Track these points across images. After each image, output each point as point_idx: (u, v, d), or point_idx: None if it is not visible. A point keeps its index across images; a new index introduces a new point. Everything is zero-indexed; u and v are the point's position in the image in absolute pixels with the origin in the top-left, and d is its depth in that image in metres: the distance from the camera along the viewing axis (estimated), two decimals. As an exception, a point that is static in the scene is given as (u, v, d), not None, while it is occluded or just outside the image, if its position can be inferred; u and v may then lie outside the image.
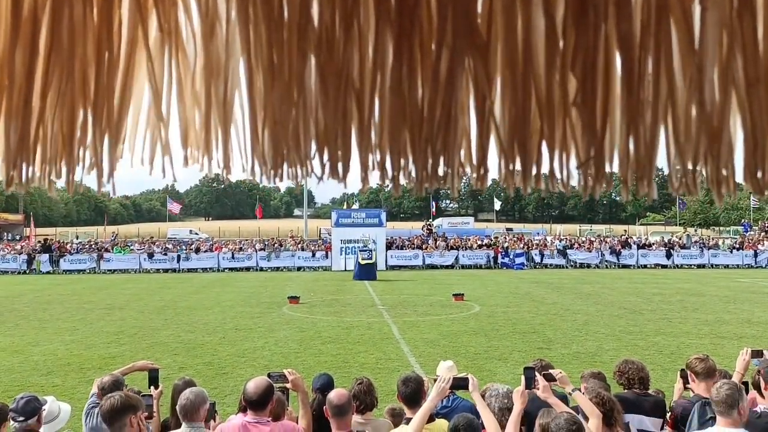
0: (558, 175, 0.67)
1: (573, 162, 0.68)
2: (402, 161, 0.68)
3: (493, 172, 0.77)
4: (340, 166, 0.70)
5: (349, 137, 0.70)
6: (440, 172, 0.68)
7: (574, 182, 0.68)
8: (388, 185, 0.76)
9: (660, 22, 0.65)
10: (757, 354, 4.02)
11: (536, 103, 0.66)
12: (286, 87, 0.73)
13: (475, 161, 0.68)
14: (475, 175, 0.70)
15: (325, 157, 0.70)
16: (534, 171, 0.65)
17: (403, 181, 0.68)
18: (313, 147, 0.72)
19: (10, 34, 0.88)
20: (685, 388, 4.07)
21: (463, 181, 0.79)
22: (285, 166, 0.73)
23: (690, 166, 0.64)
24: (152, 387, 3.90)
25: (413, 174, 0.68)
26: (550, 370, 3.56)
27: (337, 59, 0.72)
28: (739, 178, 0.66)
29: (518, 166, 0.67)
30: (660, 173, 0.69)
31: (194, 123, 0.95)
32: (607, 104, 0.65)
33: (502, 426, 3.24)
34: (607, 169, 0.67)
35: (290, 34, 0.82)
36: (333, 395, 3.37)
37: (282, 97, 0.73)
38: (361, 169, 0.71)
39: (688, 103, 0.64)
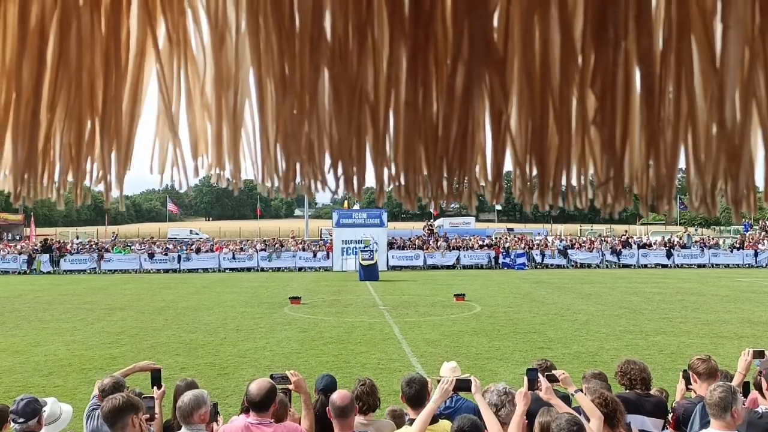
0: (575, 192, 0.66)
1: (591, 178, 0.67)
2: (417, 177, 0.67)
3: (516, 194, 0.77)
4: (355, 180, 0.70)
5: (363, 151, 0.69)
6: (455, 187, 0.68)
7: (591, 198, 0.67)
8: (389, 187, 0.75)
9: (681, 39, 0.64)
10: (759, 354, 4.02)
11: (554, 120, 0.65)
12: (298, 99, 0.73)
13: (490, 177, 0.67)
14: (490, 191, 0.69)
15: (339, 170, 0.70)
16: (551, 185, 0.65)
17: (418, 196, 0.68)
18: (327, 160, 0.71)
19: (18, 45, 0.87)
20: (687, 389, 4.07)
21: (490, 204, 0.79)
22: (298, 179, 0.73)
23: (709, 185, 0.63)
24: (155, 387, 3.90)
25: (428, 190, 0.67)
26: (553, 371, 3.56)
27: (351, 72, 0.71)
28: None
29: (535, 182, 0.66)
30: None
31: (204, 134, 0.94)
32: (627, 122, 0.64)
33: (503, 424, 3.24)
34: (628, 188, 0.67)
35: (302, 46, 0.81)
36: (336, 396, 3.37)
37: (293, 110, 0.72)
38: (376, 183, 0.70)
39: (709, 121, 0.63)
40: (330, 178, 0.73)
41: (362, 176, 0.72)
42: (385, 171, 0.69)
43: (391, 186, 0.72)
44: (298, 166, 0.72)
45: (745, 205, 0.65)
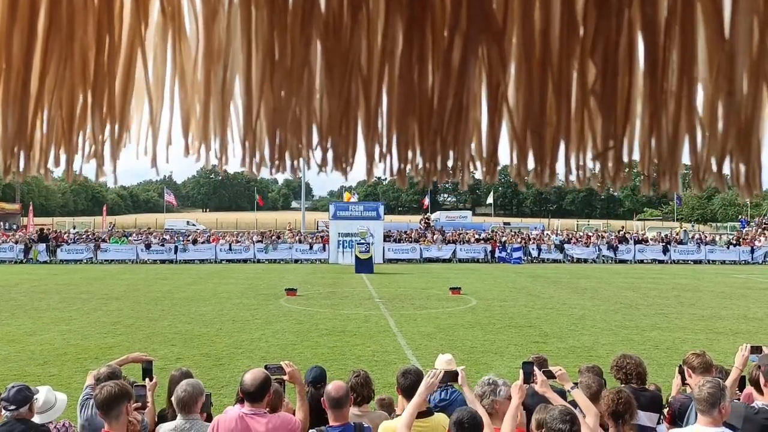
0: (574, 169, 0.63)
1: (590, 155, 0.64)
2: (410, 153, 0.64)
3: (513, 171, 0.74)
4: (344, 157, 0.67)
5: (354, 126, 0.67)
6: (449, 164, 0.65)
7: (590, 177, 0.64)
8: (386, 178, 0.72)
9: (687, 8, 0.61)
10: (756, 350, 4.03)
11: (553, 92, 0.62)
12: (288, 73, 0.70)
13: (485, 154, 0.64)
14: (485, 168, 0.66)
15: (329, 147, 0.67)
16: (548, 162, 0.62)
17: (410, 173, 0.65)
18: (316, 137, 0.68)
19: (7, 15, 0.84)
20: (683, 384, 4.08)
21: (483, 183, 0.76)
22: (286, 158, 0.69)
23: (715, 162, 0.60)
24: (147, 379, 3.89)
25: (420, 166, 0.64)
26: (550, 367, 3.56)
27: (344, 45, 0.68)
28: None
29: (531, 158, 0.63)
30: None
31: (195, 111, 0.91)
32: (630, 94, 0.61)
33: (495, 416, 3.24)
34: (627, 165, 0.64)
35: (294, 18, 0.78)
36: (331, 387, 3.37)
37: (283, 84, 0.69)
38: (366, 160, 0.67)
39: (715, 93, 0.61)
40: (319, 154, 0.71)
41: (352, 153, 0.69)
42: (377, 148, 0.66)
43: (386, 171, 0.69)
44: (284, 141, 0.70)
45: (748, 186, 0.62)
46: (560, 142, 0.63)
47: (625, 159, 0.63)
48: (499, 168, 0.69)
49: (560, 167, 0.64)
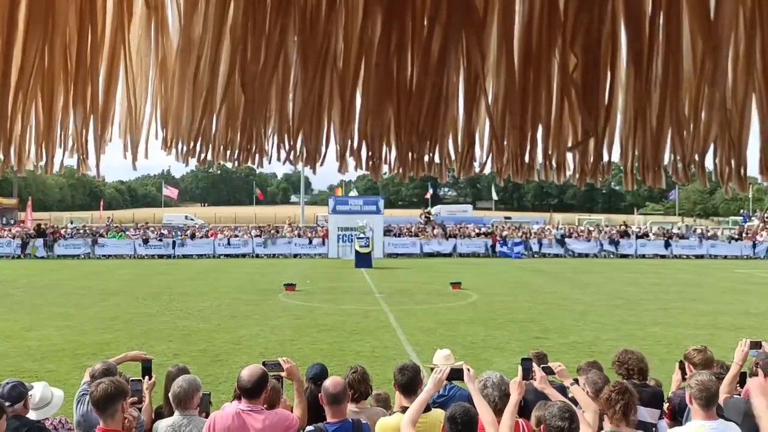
0: (554, 162, 0.61)
1: (571, 149, 0.63)
2: (385, 147, 0.62)
3: (489, 164, 0.71)
4: (315, 150, 0.65)
5: (328, 119, 0.64)
6: (426, 158, 0.63)
7: (570, 171, 0.62)
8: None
9: (671, -4, 0.58)
10: (755, 345, 4.01)
11: (533, 83, 0.60)
12: (262, 65, 0.67)
13: (460, 148, 0.62)
14: (459, 163, 0.64)
15: (300, 140, 0.65)
16: (528, 156, 0.60)
17: (384, 168, 0.62)
18: (280, 131, 0.66)
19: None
20: (684, 379, 4.06)
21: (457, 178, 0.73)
22: (254, 149, 0.68)
23: (700, 154, 0.58)
24: (146, 377, 3.87)
25: (395, 160, 0.62)
26: (549, 364, 3.54)
27: (320, 35, 0.65)
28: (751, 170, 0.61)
29: (511, 151, 0.61)
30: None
31: (173, 104, 0.89)
32: (613, 85, 0.59)
33: (499, 414, 3.22)
34: (607, 158, 0.62)
35: (270, 9, 0.76)
36: (329, 383, 3.36)
37: (256, 76, 0.67)
38: (338, 154, 0.64)
39: (700, 84, 0.58)
40: (292, 147, 0.69)
41: (325, 145, 0.67)
42: (351, 141, 0.64)
43: (357, 165, 0.67)
44: (254, 133, 0.68)
45: (735, 179, 0.60)
46: (539, 134, 0.61)
47: (605, 152, 0.60)
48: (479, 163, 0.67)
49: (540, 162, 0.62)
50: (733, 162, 0.59)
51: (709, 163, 0.60)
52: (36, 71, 0.75)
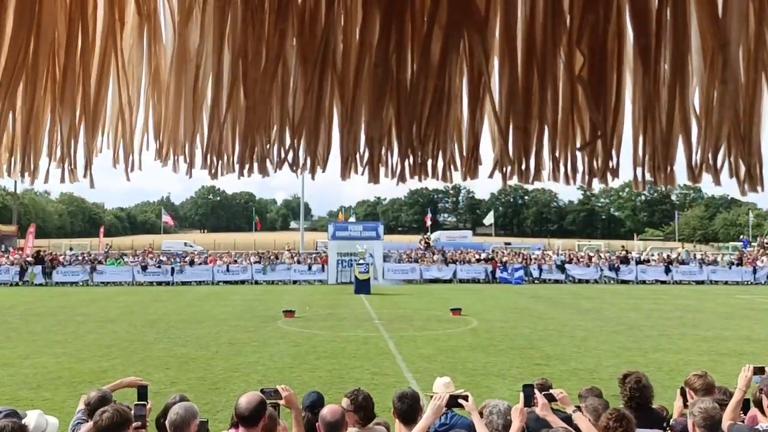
0: (561, 165, 0.59)
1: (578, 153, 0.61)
2: (385, 150, 0.60)
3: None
4: (317, 156, 0.63)
5: (328, 124, 0.63)
6: (429, 162, 0.61)
7: (578, 173, 0.60)
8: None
9: (678, -9, 0.57)
10: (759, 371, 3.94)
11: (538, 82, 0.59)
12: (262, 71, 0.66)
13: (465, 151, 0.60)
14: (465, 166, 0.61)
15: (302, 144, 0.63)
16: (534, 158, 0.57)
17: (382, 172, 0.60)
18: (287, 135, 0.65)
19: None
20: (685, 406, 3.99)
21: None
22: (255, 159, 0.65)
23: (711, 152, 0.56)
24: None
25: (396, 164, 0.60)
26: (551, 390, 3.48)
27: (319, 38, 0.64)
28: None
29: (516, 154, 0.59)
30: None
31: (167, 113, 0.87)
32: (619, 83, 0.57)
33: None
34: (616, 158, 0.60)
35: (269, 14, 0.75)
36: (326, 412, 3.29)
37: (256, 83, 0.65)
38: (341, 159, 0.63)
39: (711, 80, 0.57)
40: (297, 153, 0.67)
41: (327, 151, 0.65)
42: (351, 145, 0.62)
43: (358, 169, 0.65)
44: (255, 140, 0.66)
45: (748, 179, 0.58)
46: (545, 135, 0.59)
47: (614, 153, 0.58)
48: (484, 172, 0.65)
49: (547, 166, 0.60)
50: (742, 160, 0.57)
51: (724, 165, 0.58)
52: (19, 73, 0.73)
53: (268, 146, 0.71)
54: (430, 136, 0.63)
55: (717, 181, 0.58)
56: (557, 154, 0.62)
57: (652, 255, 36.67)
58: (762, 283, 30.45)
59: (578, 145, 0.63)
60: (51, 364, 10.28)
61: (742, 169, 0.57)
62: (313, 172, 0.67)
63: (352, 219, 32.31)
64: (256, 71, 0.73)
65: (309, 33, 0.68)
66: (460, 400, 3.34)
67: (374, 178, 0.65)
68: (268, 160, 0.71)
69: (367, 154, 0.64)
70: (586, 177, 0.62)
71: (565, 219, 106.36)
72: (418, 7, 0.65)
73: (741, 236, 52.39)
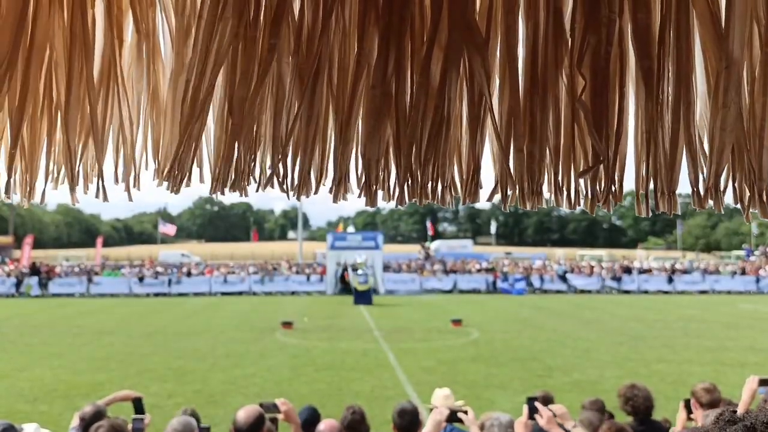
0: (564, 188, 0.58)
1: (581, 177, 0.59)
2: (382, 173, 0.59)
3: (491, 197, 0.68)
4: (312, 176, 0.62)
5: (324, 143, 0.62)
6: (429, 185, 0.60)
7: (581, 197, 0.59)
8: (383, 207, 0.67)
9: (681, 14, 0.56)
10: (764, 382, 3.89)
11: (540, 105, 0.57)
12: (253, 89, 0.65)
13: (465, 173, 0.59)
14: (465, 188, 0.60)
15: (297, 163, 0.62)
16: (536, 181, 0.56)
17: (381, 195, 0.58)
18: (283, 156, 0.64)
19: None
20: (689, 418, 3.94)
21: (462, 205, 0.70)
22: (251, 178, 0.64)
23: (713, 179, 0.55)
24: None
25: (396, 186, 0.59)
26: (551, 406, 3.45)
27: (314, 57, 0.64)
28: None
29: (519, 178, 0.58)
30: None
31: (165, 132, 0.86)
32: (621, 106, 0.56)
33: None
34: (619, 183, 0.58)
35: (264, 30, 0.74)
36: (324, 427, 3.25)
37: (250, 100, 0.64)
38: (333, 179, 0.61)
39: (714, 104, 0.55)
40: (292, 174, 0.65)
41: (323, 171, 0.64)
42: (347, 165, 0.60)
43: (357, 191, 0.64)
44: (249, 159, 0.64)
45: (758, 204, 0.56)
46: (547, 159, 0.58)
47: (617, 178, 0.57)
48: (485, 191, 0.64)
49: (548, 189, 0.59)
50: (753, 186, 0.55)
51: (728, 189, 0.57)
52: (21, 97, 0.72)
53: (253, 165, 0.69)
54: (430, 159, 0.61)
55: (718, 208, 0.56)
56: (560, 178, 0.61)
57: (651, 263, 36.58)
58: (765, 293, 30.36)
59: (581, 169, 0.62)
60: (47, 377, 10.20)
61: (747, 194, 0.56)
62: (306, 194, 0.66)
63: (351, 229, 32.25)
64: (245, 88, 0.72)
65: (306, 51, 0.67)
66: (460, 414, 3.30)
67: (371, 201, 0.63)
68: (255, 178, 0.69)
69: (364, 177, 0.62)
70: (588, 201, 0.60)
71: (567, 228, 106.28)
72: (418, 27, 0.64)
73: (743, 245, 52.36)
